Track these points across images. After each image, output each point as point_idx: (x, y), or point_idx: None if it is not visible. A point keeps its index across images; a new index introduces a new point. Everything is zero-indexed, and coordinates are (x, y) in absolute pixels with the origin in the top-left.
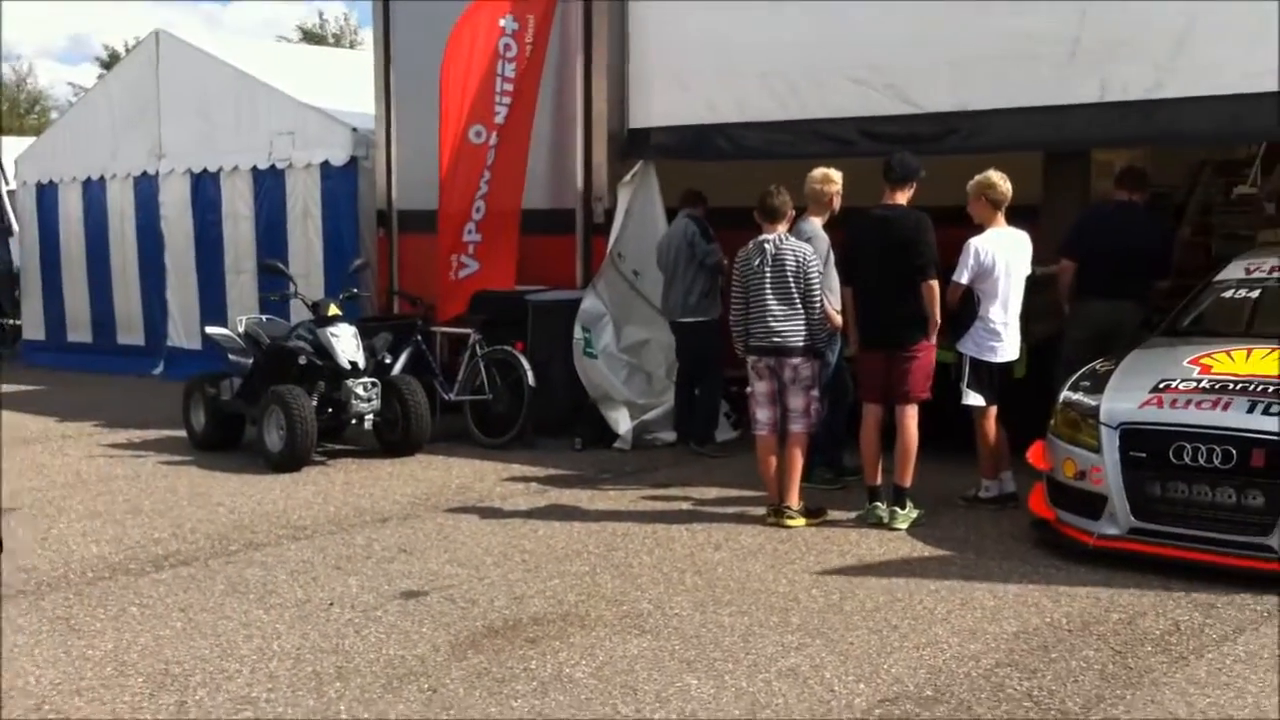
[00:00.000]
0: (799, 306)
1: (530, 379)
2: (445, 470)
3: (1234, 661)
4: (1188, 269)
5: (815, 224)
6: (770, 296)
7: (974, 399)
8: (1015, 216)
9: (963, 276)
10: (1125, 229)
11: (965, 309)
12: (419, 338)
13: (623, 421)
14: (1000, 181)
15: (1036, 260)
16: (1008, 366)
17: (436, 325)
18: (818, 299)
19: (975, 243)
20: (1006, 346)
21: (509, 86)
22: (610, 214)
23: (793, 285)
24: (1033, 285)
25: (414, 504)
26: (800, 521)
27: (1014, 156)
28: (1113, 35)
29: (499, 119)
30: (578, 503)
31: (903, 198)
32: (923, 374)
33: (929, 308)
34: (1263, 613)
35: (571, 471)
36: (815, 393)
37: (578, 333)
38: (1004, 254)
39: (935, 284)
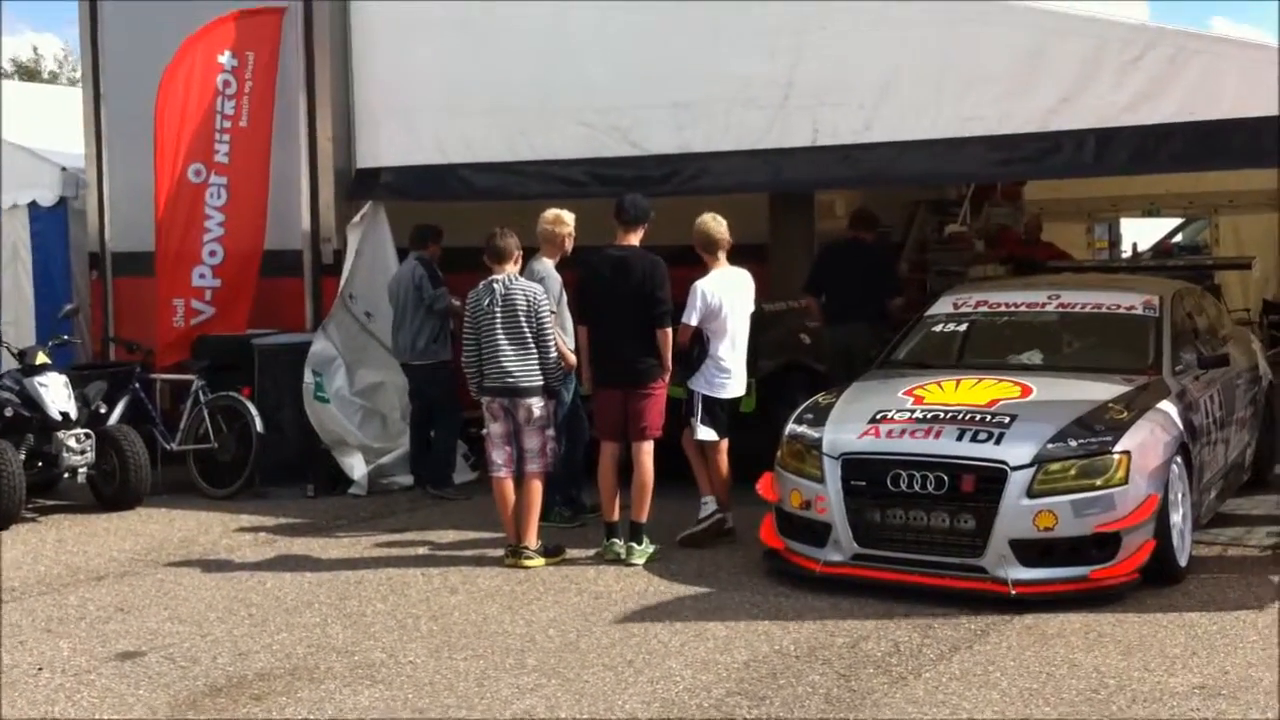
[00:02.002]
0: (531, 346)
1: (258, 425)
2: (167, 524)
3: (950, 679)
4: (907, 303)
5: (547, 264)
6: (502, 337)
7: (706, 434)
8: (745, 255)
9: (692, 318)
10: (855, 263)
11: (695, 347)
12: (137, 385)
13: (357, 466)
14: (712, 224)
15: (763, 298)
16: (735, 401)
17: (156, 372)
18: (550, 339)
19: (701, 285)
20: (735, 382)
21: (229, 124)
22: (340, 255)
23: (524, 325)
24: (759, 322)
25: (133, 560)
26: (539, 561)
27: (743, 197)
28: (822, 81)
29: (219, 157)
30: (309, 552)
31: (635, 239)
32: (658, 411)
33: (662, 354)
34: (976, 631)
35: (303, 520)
36: (551, 432)
37: (308, 376)
38: (728, 294)
39: (670, 332)
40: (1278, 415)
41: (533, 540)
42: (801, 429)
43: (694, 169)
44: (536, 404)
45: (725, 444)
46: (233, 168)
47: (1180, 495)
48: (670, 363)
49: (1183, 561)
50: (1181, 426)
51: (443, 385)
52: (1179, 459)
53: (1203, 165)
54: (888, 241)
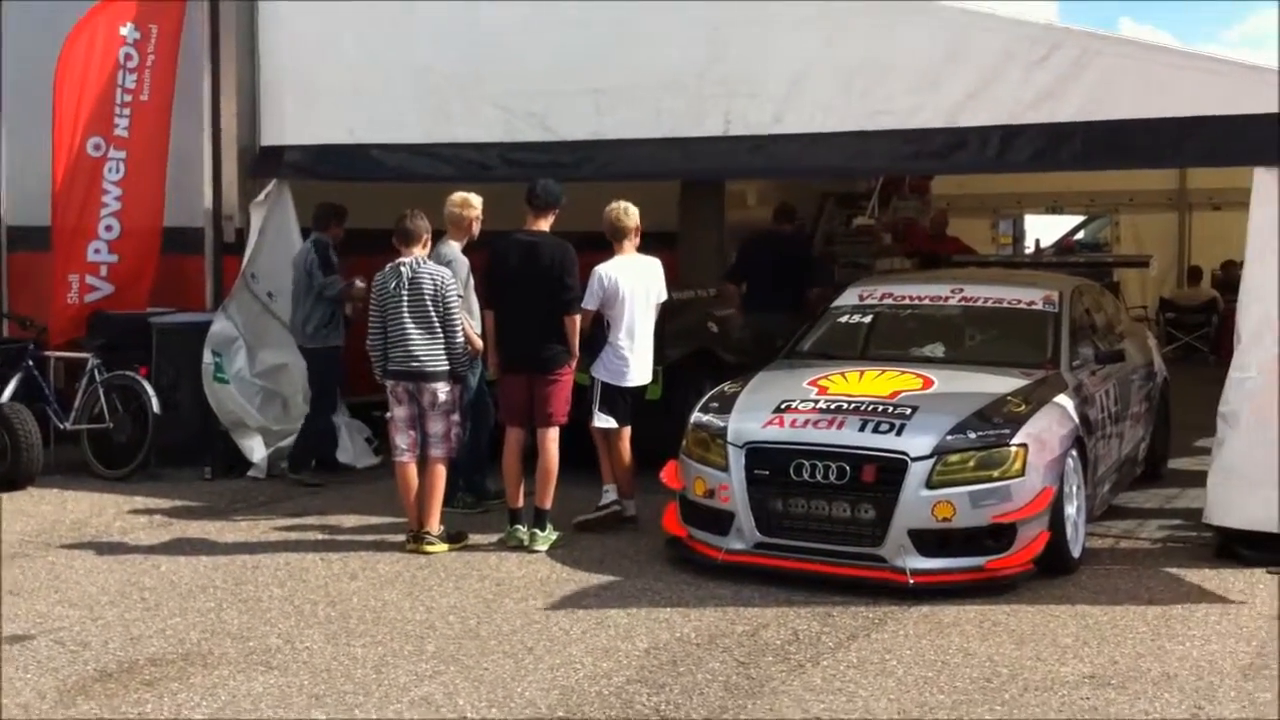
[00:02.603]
0: (438, 330)
1: (155, 406)
2: (59, 505)
3: (847, 667)
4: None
5: (454, 247)
6: (408, 320)
7: (605, 421)
8: (656, 243)
9: (591, 303)
10: (774, 253)
11: (596, 334)
12: (29, 362)
13: (257, 449)
14: (621, 213)
15: (672, 286)
16: (640, 389)
17: (50, 349)
18: (457, 323)
19: (601, 270)
20: (636, 370)
21: (129, 98)
22: (242, 234)
23: (431, 309)
24: (667, 309)
25: (23, 542)
26: (441, 547)
27: (655, 185)
28: (736, 72)
29: (119, 131)
30: (206, 535)
31: (545, 224)
32: (563, 397)
33: (569, 340)
34: (875, 619)
35: (200, 503)
36: (456, 417)
37: (207, 357)
38: (630, 280)
39: (578, 318)
40: (1171, 411)
41: (435, 526)
42: (707, 418)
43: (607, 155)
44: (442, 389)
45: (627, 432)
46: (132, 142)
47: (1075, 488)
48: (577, 349)
49: (1076, 553)
50: (1077, 420)
51: (326, 371)
52: (1074, 452)
53: (1103, 164)
54: (805, 234)
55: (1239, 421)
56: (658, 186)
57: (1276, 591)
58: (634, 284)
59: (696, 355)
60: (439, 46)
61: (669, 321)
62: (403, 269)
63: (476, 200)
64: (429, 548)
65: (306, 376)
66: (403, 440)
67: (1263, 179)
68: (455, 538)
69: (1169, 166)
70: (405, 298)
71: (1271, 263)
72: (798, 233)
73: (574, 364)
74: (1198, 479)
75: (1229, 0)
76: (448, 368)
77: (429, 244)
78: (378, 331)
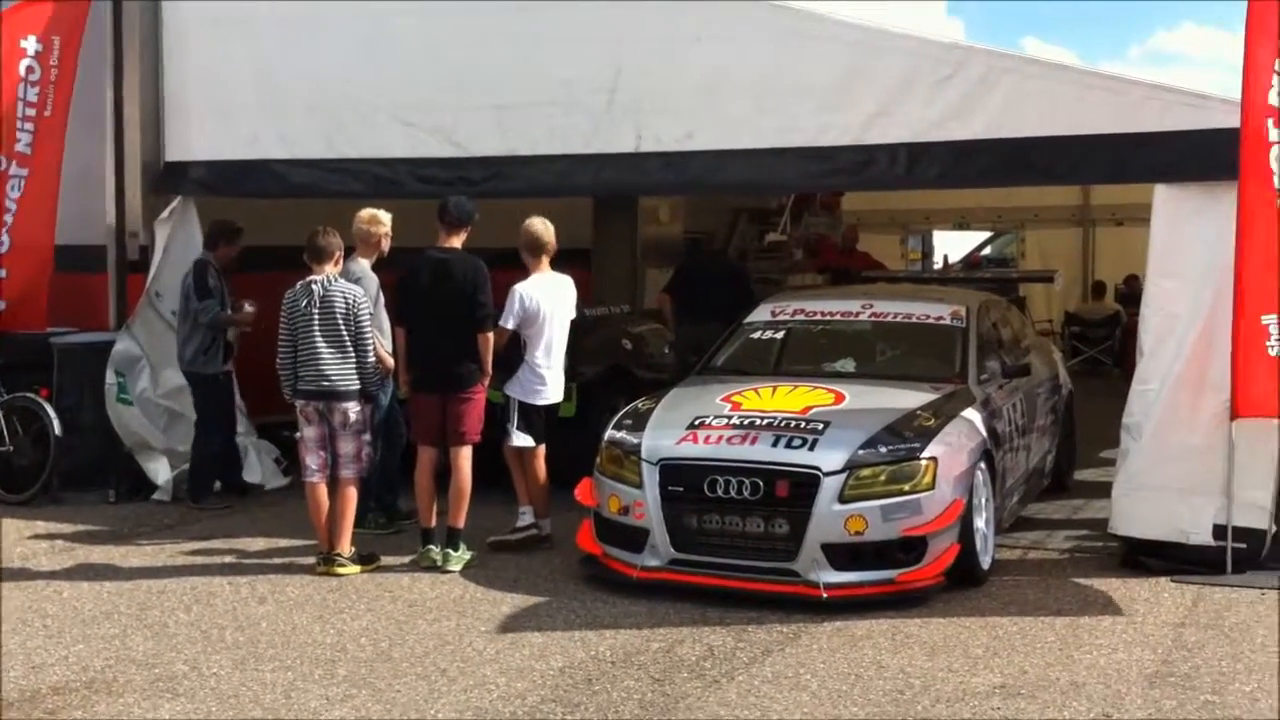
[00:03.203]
0: (349, 349)
1: (56, 428)
2: None
3: (762, 683)
4: (747, 276)
5: (363, 264)
6: (319, 339)
7: (523, 440)
8: (570, 260)
9: (509, 322)
10: (710, 270)
11: (512, 352)
12: None
13: (162, 471)
14: (540, 227)
15: (586, 303)
16: (554, 407)
17: None
18: (369, 342)
19: (520, 289)
20: (552, 388)
21: (32, 113)
22: (146, 251)
23: (343, 328)
24: (581, 327)
25: None
26: (352, 569)
27: (568, 202)
28: (646, 88)
29: (21, 148)
30: (110, 560)
31: (458, 241)
32: (477, 416)
33: (482, 359)
34: (789, 634)
35: (104, 527)
36: (367, 437)
37: (110, 377)
38: (548, 299)
39: (491, 336)
40: (1077, 423)
41: (346, 547)
42: (621, 434)
43: (516, 171)
44: (353, 408)
45: (542, 450)
46: (34, 159)
47: (984, 500)
48: (490, 367)
49: (986, 564)
50: (985, 433)
51: (209, 398)
52: (983, 465)
53: (1008, 182)
54: (742, 267)
55: (1142, 433)
56: (571, 203)
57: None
58: (552, 303)
59: (610, 372)
60: (342, 61)
61: (583, 338)
62: (314, 287)
63: (385, 217)
64: (340, 569)
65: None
66: (313, 460)
67: (1162, 195)
68: (367, 559)
69: (1072, 184)
70: (317, 316)
71: (1171, 277)
72: (738, 261)
73: (487, 382)
74: (1103, 490)
75: (1133, 19)
76: (359, 387)
77: (340, 261)
78: (287, 350)
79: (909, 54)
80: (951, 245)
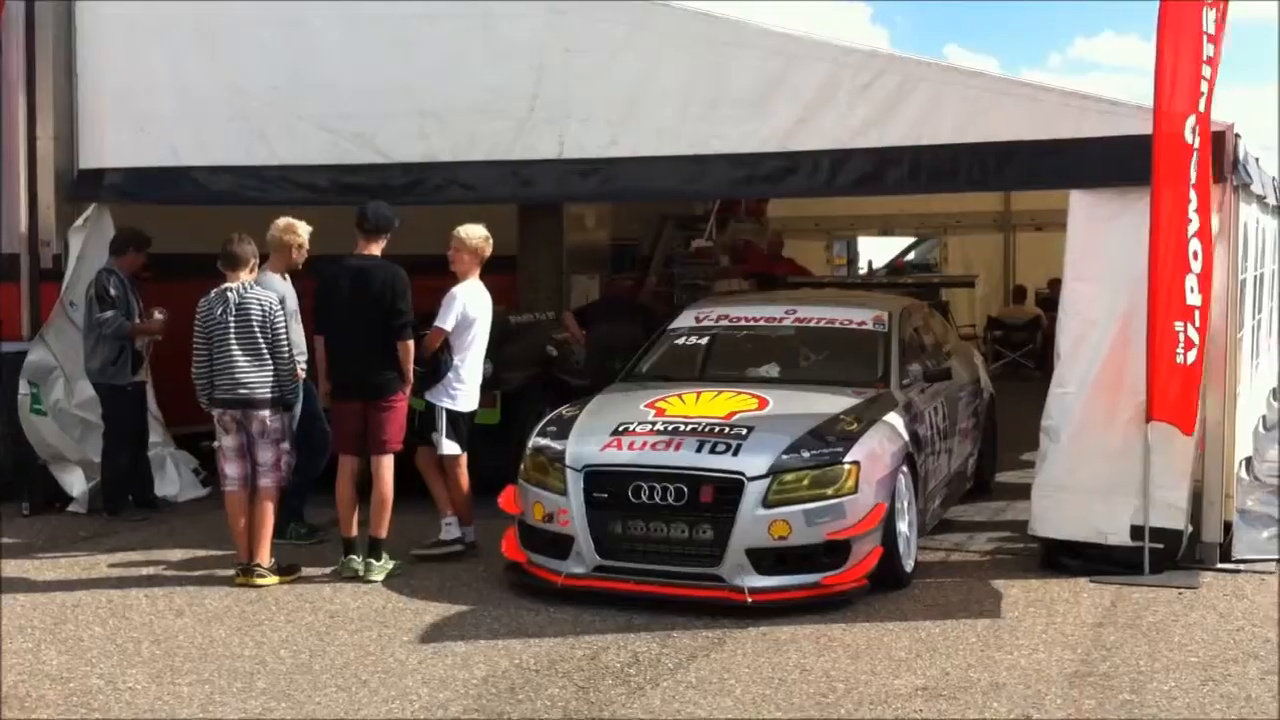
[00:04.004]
0: (266, 357)
1: None
2: None
3: (686, 688)
4: (656, 316)
5: (273, 278)
6: (235, 347)
7: (451, 448)
8: (495, 266)
9: (448, 323)
10: (621, 311)
11: (441, 359)
12: None
13: (77, 483)
14: (476, 233)
15: (511, 309)
16: (473, 414)
17: None
18: (285, 349)
19: (460, 293)
20: (474, 395)
21: None
22: (60, 259)
23: (259, 335)
24: (506, 334)
25: None
26: (271, 579)
27: (493, 209)
28: (569, 95)
29: None
30: (23, 573)
31: (376, 248)
32: (398, 424)
33: (403, 366)
34: (714, 639)
35: (17, 540)
36: (285, 445)
37: (23, 388)
38: (481, 305)
39: (411, 344)
40: (998, 425)
41: (266, 557)
42: (545, 441)
43: (440, 178)
44: (270, 416)
45: (465, 458)
46: None
47: (907, 503)
48: (411, 375)
49: (909, 567)
50: (907, 437)
51: (117, 410)
52: (905, 468)
53: (928, 188)
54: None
55: (1060, 435)
56: (495, 209)
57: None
58: (482, 309)
59: (535, 379)
60: (261, 66)
61: (508, 345)
62: (229, 294)
63: (302, 226)
64: (259, 580)
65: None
66: (232, 470)
67: (1077, 201)
68: (287, 569)
69: (990, 190)
70: (232, 324)
71: (1087, 281)
72: (649, 304)
73: (408, 390)
74: (1025, 492)
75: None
76: (277, 395)
77: (256, 269)
78: (203, 359)
79: (829, 62)
80: (876, 251)
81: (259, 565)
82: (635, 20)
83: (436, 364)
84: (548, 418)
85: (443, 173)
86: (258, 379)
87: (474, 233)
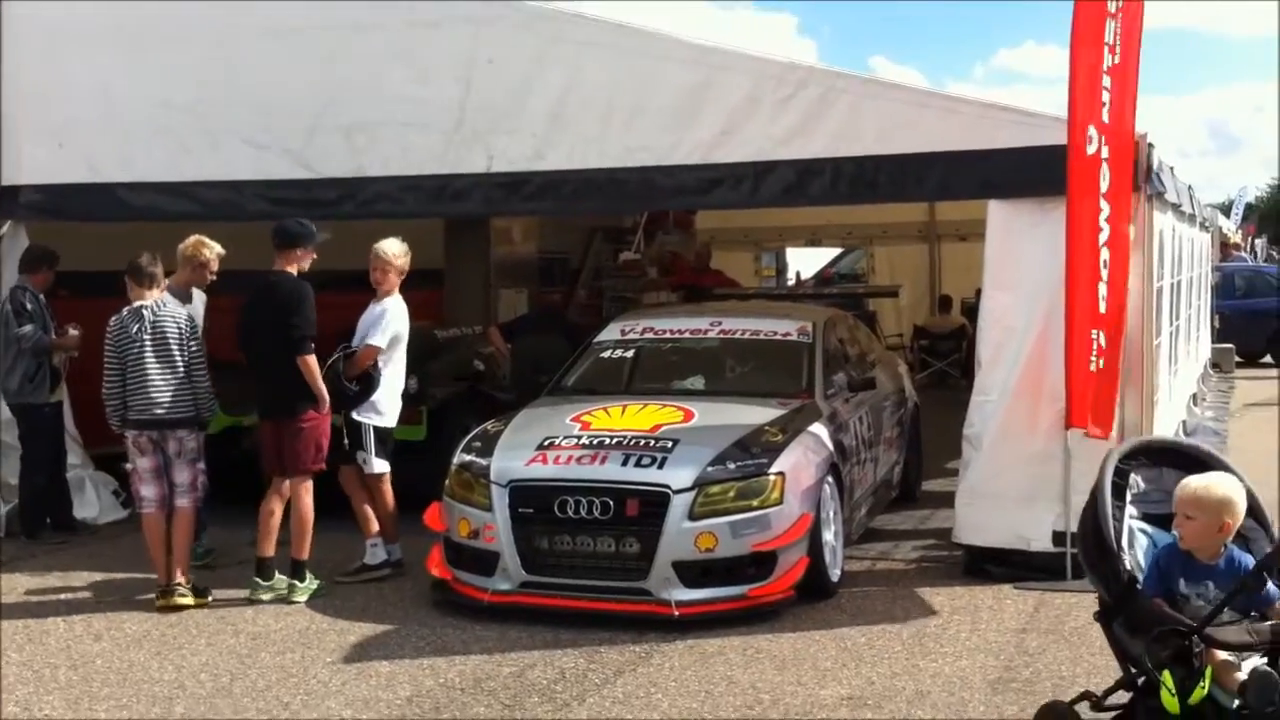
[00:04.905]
0: (183, 375)
1: None
2: None
3: (613, 703)
4: (583, 329)
5: (193, 290)
6: (151, 366)
7: (380, 466)
8: (423, 280)
9: (384, 340)
10: (547, 326)
11: (373, 376)
12: None
13: None
14: (397, 248)
15: (438, 324)
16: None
17: None
18: (202, 367)
19: (391, 307)
20: (396, 411)
21: None
22: None
23: (176, 353)
24: (433, 348)
25: None
26: (191, 600)
27: (419, 222)
28: (495, 109)
29: None
30: None
31: (288, 264)
32: (311, 444)
33: (310, 383)
34: (641, 654)
35: None
36: (201, 465)
37: None
38: (404, 320)
39: (311, 358)
40: (923, 434)
41: (184, 578)
42: (470, 457)
43: (368, 193)
44: (188, 436)
45: (389, 475)
46: None
47: (832, 513)
48: (323, 392)
49: (835, 577)
50: (832, 447)
51: (36, 430)
52: (830, 478)
53: (850, 199)
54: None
55: (982, 443)
56: (422, 223)
57: None
58: (406, 323)
59: (463, 394)
60: (185, 81)
61: (435, 360)
62: (144, 312)
63: (213, 243)
64: (181, 599)
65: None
66: (148, 491)
67: (995, 211)
68: (206, 591)
69: (911, 200)
70: (148, 342)
71: (1006, 290)
72: (576, 318)
73: (322, 408)
74: (949, 499)
75: (976, 38)
76: (194, 414)
77: (164, 287)
78: (115, 378)
79: (752, 74)
80: (804, 262)
81: (179, 585)
82: (557, 32)
83: (368, 381)
84: (472, 433)
85: (370, 187)
86: (174, 398)
87: (397, 248)
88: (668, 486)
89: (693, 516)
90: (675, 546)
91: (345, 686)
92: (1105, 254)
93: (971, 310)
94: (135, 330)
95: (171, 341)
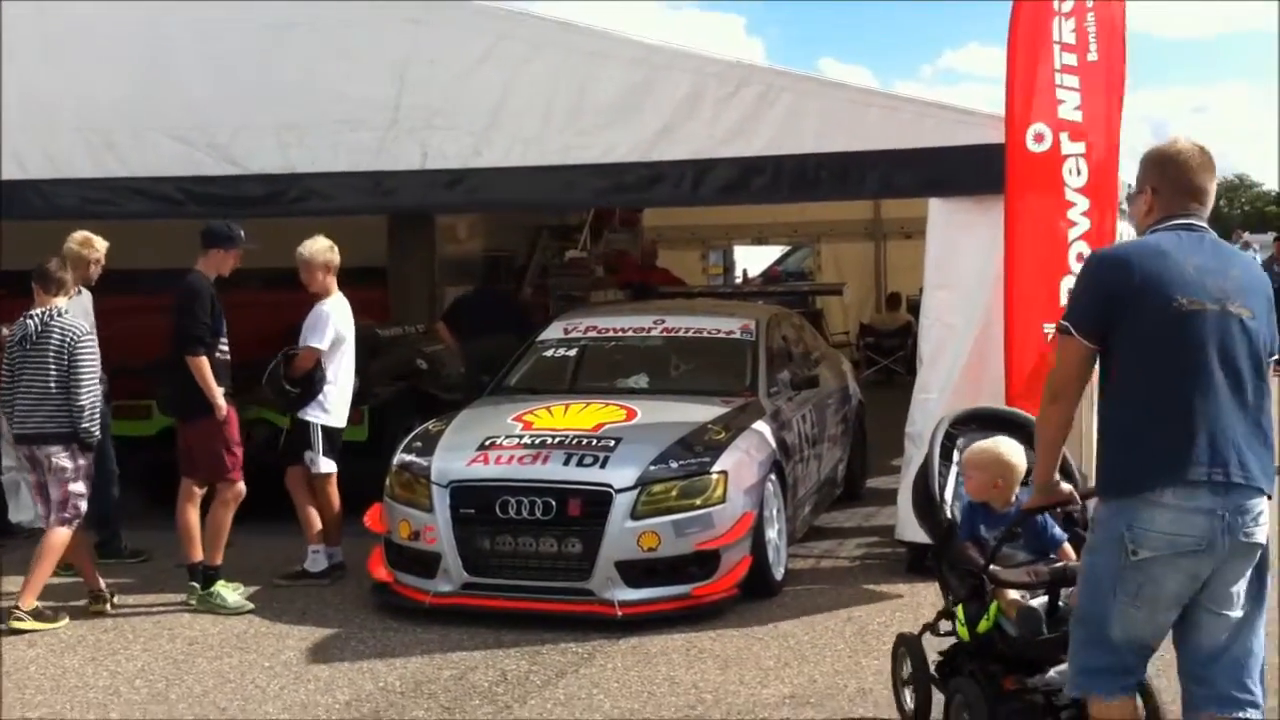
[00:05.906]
0: (55, 390)
1: None
2: None
3: (555, 705)
4: (532, 318)
5: (80, 288)
6: (26, 377)
7: (328, 466)
8: (365, 278)
9: (324, 342)
10: (486, 304)
11: (314, 377)
12: None
13: None
14: (325, 246)
15: (381, 322)
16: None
17: None
18: (86, 381)
19: (330, 308)
20: (347, 410)
21: None
22: None
23: (53, 366)
24: (375, 347)
25: None
26: (29, 624)
27: (363, 220)
28: (431, 105)
29: None
30: None
31: (207, 264)
32: (211, 450)
33: (201, 384)
34: (583, 654)
35: None
36: (77, 487)
37: None
38: (347, 321)
39: (199, 360)
40: (868, 431)
41: (29, 602)
42: (410, 458)
43: (299, 190)
44: (59, 453)
45: (334, 476)
46: None
47: (775, 511)
48: (213, 394)
49: (779, 575)
50: (775, 445)
51: None
52: (774, 476)
53: (791, 197)
54: (519, 303)
55: (924, 441)
56: (365, 221)
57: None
58: (349, 323)
59: (406, 393)
60: (113, 79)
61: (377, 359)
62: (31, 321)
63: (100, 242)
64: (16, 624)
65: None
66: (41, 506)
67: (935, 209)
68: (47, 615)
69: (853, 199)
70: (30, 352)
71: (946, 287)
72: (513, 296)
73: (219, 413)
74: (894, 497)
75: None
76: (68, 431)
77: (72, 295)
78: (7, 388)
79: (692, 72)
80: (751, 260)
81: (18, 608)
82: (497, 29)
83: (310, 384)
84: (413, 433)
85: (302, 184)
86: (46, 413)
87: (317, 246)
88: (610, 486)
89: (635, 516)
90: (618, 546)
91: (283, 691)
92: (1080, 248)
93: (917, 308)
94: (19, 339)
95: (51, 353)
